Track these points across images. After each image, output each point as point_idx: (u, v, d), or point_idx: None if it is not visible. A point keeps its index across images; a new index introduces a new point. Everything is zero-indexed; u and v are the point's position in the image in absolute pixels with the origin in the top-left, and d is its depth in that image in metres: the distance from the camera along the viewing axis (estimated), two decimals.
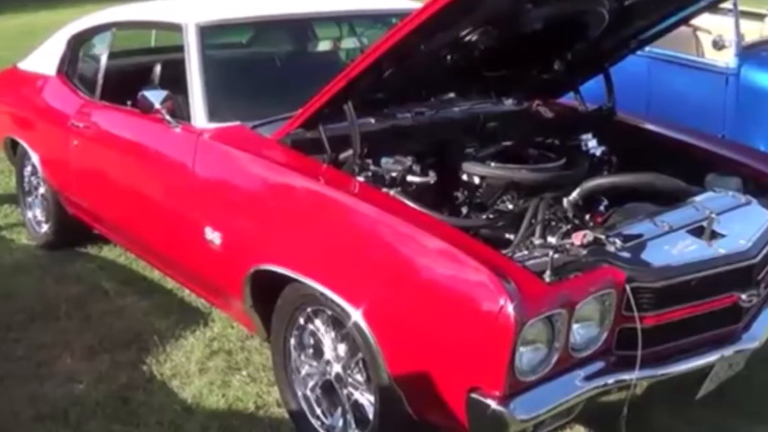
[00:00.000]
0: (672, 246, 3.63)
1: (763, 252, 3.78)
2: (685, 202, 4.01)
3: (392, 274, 3.49)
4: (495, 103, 5.04)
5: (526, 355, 3.14)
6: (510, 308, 3.00)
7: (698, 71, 7.44)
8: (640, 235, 3.64)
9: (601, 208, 4.20)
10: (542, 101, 5.20)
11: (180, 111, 4.62)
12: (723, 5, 6.45)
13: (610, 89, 5.00)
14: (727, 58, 7.23)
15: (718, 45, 7.12)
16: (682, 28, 6.51)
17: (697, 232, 3.72)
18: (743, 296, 3.67)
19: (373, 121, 4.38)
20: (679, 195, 4.09)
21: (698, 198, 4.05)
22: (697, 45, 7.61)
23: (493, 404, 3.11)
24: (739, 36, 7.14)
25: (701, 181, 4.36)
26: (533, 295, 3.11)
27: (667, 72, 7.60)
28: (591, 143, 4.70)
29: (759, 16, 8.83)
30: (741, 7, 7.41)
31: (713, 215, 3.75)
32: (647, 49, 6.87)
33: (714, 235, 3.70)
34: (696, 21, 6.84)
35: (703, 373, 3.69)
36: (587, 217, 3.97)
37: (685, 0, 4.49)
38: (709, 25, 7.43)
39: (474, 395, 3.16)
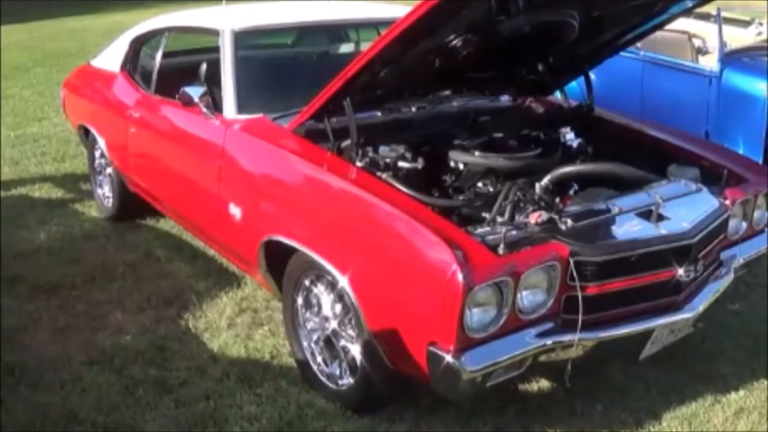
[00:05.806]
0: (619, 226, 3.87)
1: (702, 233, 3.97)
2: (641, 188, 4.20)
3: (369, 245, 3.80)
4: (491, 99, 5.25)
5: (476, 315, 3.42)
6: (459, 275, 3.30)
7: (686, 74, 7.68)
8: (591, 216, 3.89)
9: (572, 192, 4.42)
10: (533, 98, 5.42)
11: (216, 104, 4.90)
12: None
13: (590, 89, 5.21)
14: (711, 63, 7.47)
15: (702, 51, 7.33)
16: (678, 35, 6.80)
17: (646, 214, 3.93)
18: (680, 271, 3.88)
19: (378, 114, 4.65)
20: (639, 182, 4.27)
21: (653, 185, 4.25)
22: (692, 50, 7.81)
23: (447, 357, 3.40)
24: (722, 42, 7.36)
25: (665, 171, 4.52)
26: (480, 264, 3.40)
27: (659, 74, 7.85)
28: (569, 136, 4.91)
29: (744, 23, 9.01)
30: (731, 15, 7.60)
31: (660, 200, 3.96)
32: (642, 53, 7.15)
33: (660, 218, 3.91)
34: (691, 29, 7.08)
35: (645, 337, 3.93)
36: (557, 199, 4.18)
37: (651, 11, 4.66)
38: (704, 32, 7.72)
39: (432, 348, 3.45)
